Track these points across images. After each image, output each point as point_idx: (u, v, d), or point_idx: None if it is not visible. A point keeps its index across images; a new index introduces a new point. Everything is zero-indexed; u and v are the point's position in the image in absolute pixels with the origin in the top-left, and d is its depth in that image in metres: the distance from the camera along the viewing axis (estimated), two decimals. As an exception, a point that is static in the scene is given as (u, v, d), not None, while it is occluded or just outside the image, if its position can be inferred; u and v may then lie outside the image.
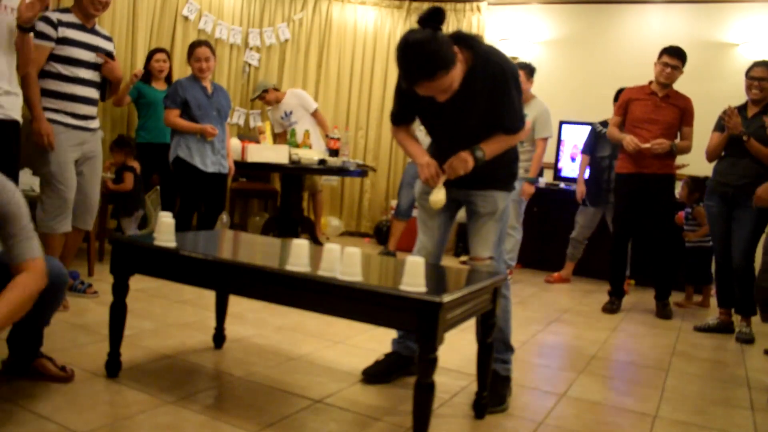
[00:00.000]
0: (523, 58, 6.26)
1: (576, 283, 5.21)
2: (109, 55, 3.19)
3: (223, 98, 4.27)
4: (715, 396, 2.72)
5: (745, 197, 3.66)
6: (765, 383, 2.92)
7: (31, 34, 2.73)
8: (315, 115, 5.80)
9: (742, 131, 3.67)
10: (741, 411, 2.55)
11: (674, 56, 4.10)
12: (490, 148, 2.22)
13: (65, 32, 3.00)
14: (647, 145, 4.06)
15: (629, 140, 4.11)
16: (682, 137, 4.15)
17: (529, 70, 4.67)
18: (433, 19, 2.03)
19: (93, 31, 3.13)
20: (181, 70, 5.55)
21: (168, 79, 4.80)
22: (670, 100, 4.15)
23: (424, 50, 1.98)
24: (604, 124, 4.86)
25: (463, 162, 2.18)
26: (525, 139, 4.74)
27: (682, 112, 4.13)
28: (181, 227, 2.47)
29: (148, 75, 4.68)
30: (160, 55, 4.73)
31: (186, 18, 5.58)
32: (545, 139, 4.67)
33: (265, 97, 5.70)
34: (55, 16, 3.00)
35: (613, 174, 4.73)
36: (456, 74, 2.07)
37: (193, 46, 4.18)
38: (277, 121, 5.76)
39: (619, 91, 4.82)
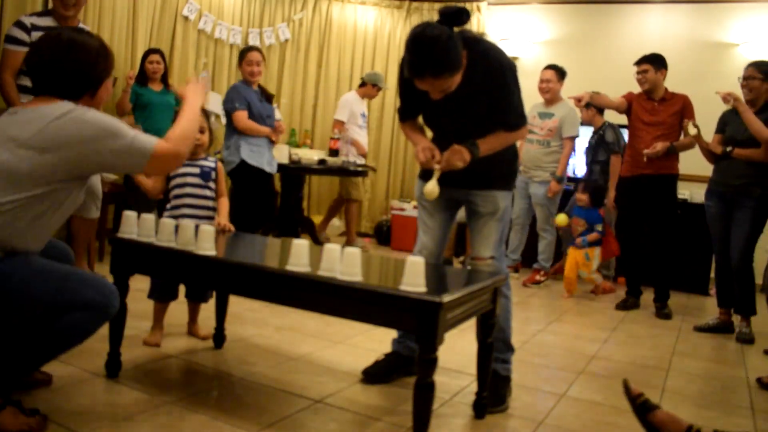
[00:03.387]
0: (523, 58, 6.28)
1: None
2: None
3: (267, 101, 4.40)
4: (715, 396, 2.72)
5: (744, 197, 3.68)
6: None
7: None
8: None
9: (725, 149, 3.74)
10: (741, 411, 2.55)
11: (638, 64, 4.26)
12: (486, 145, 2.20)
13: (39, 36, 2.98)
14: (647, 151, 4.11)
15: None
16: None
17: (561, 72, 4.86)
18: (456, 18, 2.04)
19: None
20: (180, 71, 5.55)
21: (164, 79, 4.71)
22: (667, 102, 4.21)
23: (438, 48, 1.98)
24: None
25: (459, 154, 2.15)
26: (553, 138, 4.78)
27: (680, 111, 4.16)
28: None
29: (144, 76, 4.57)
30: (154, 56, 4.61)
31: (186, 18, 5.58)
32: (572, 138, 4.84)
33: (370, 90, 5.59)
34: (29, 20, 2.98)
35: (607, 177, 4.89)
36: (457, 78, 2.10)
37: (245, 51, 4.30)
38: (355, 112, 5.56)
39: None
